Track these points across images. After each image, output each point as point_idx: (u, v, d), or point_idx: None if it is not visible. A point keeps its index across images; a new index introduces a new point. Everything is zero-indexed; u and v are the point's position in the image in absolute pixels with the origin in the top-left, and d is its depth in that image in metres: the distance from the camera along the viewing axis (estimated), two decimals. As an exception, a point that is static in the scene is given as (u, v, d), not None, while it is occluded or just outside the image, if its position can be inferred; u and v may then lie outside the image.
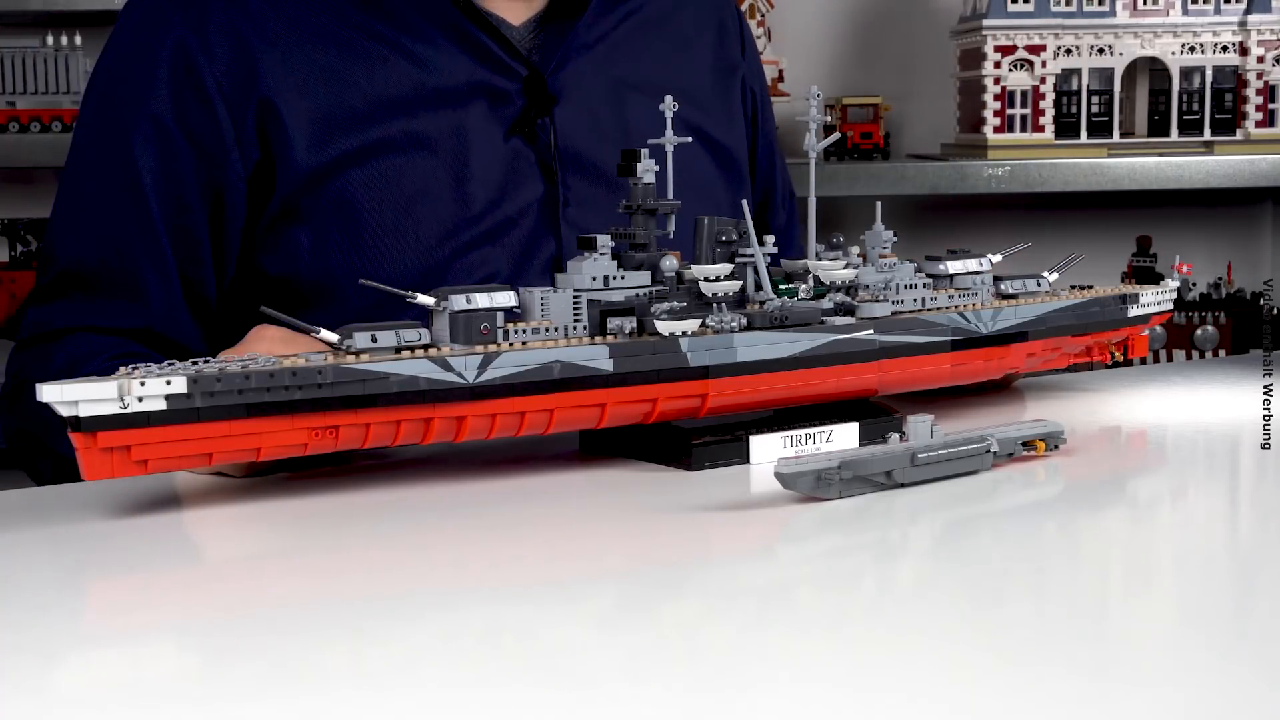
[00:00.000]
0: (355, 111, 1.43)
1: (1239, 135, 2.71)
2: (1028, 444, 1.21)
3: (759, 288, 1.26)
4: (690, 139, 1.31)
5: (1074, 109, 2.70)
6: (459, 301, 1.14)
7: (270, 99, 1.42)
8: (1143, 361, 1.63)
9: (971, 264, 1.39)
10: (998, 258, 1.43)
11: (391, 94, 1.45)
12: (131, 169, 1.43)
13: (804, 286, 1.29)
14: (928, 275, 1.37)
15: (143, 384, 1.03)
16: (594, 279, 1.21)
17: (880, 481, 1.12)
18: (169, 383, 1.04)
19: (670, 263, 1.23)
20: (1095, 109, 2.71)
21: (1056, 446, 1.23)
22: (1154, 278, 2.75)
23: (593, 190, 1.50)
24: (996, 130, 2.67)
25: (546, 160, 1.49)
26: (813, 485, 1.10)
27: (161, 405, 1.04)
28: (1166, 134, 2.73)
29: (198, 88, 1.42)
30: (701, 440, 1.22)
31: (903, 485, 1.14)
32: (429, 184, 1.44)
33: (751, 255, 1.26)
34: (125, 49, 1.47)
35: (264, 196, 1.44)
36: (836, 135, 1.33)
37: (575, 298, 1.19)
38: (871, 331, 1.29)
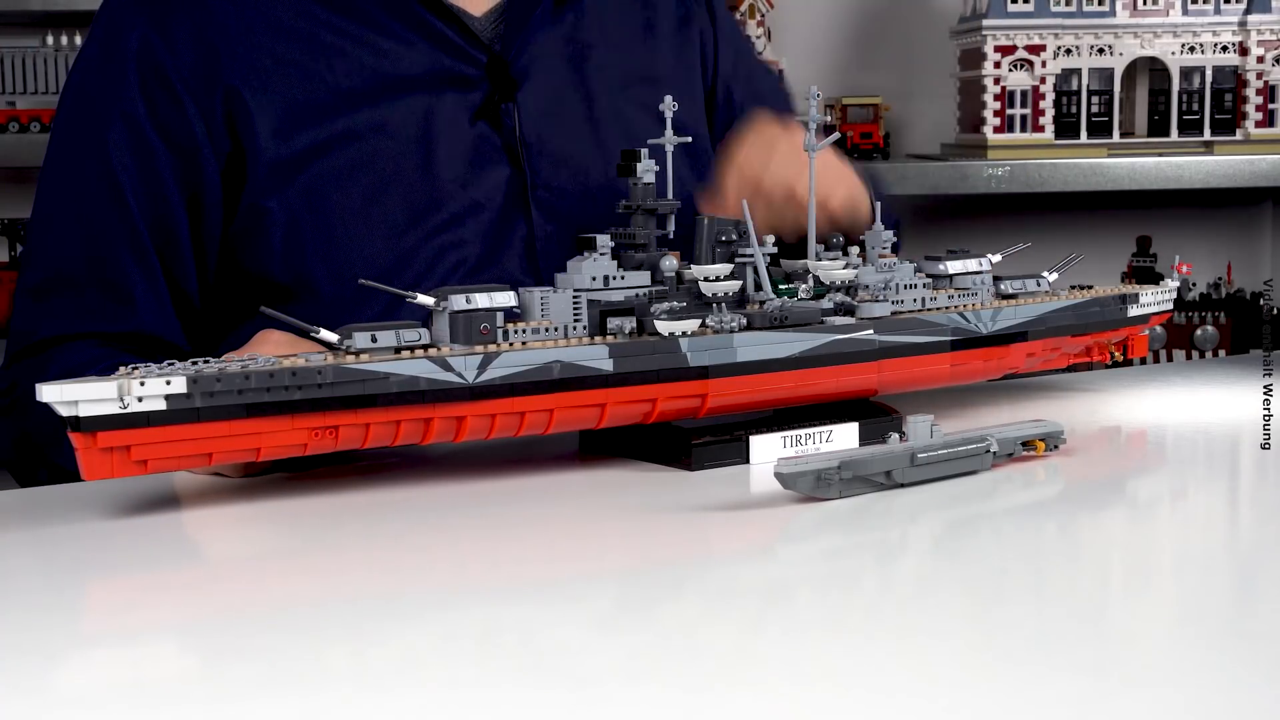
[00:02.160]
0: (319, 104, 1.45)
1: (1239, 135, 2.71)
2: (1028, 444, 1.21)
3: (759, 288, 1.26)
4: (690, 139, 1.31)
5: (1074, 109, 2.70)
6: (459, 301, 1.14)
7: (236, 87, 1.43)
8: (1143, 361, 1.63)
9: (971, 264, 1.39)
10: (997, 258, 1.43)
11: (355, 85, 1.46)
12: (108, 169, 1.43)
13: (804, 286, 1.29)
14: (927, 275, 1.37)
15: (142, 384, 1.03)
16: (594, 279, 1.21)
17: (880, 481, 1.12)
18: (169, 383, 1.04)
19: (670, 263, 1.23)
20: (1095, 109, 2.71)
21: (1056, 446, 1.23)
22: (1154, 278, 2.75)
23: (559, 172, 1.51)
24: (996, 130, 2.67)
25: (512, 144, 1.50)
26: (813, 485, 1.10)
27: (161, 405, 1.04)
28: (1166, 134, 2.74)
29: (165, 85, 1.43)
30: (701, 440, 1.22)
31: (903, 485, 1.14)
32: (396, 170, 1.46)
33: (751, 255, 1.26)
34: (94, 51, 1.49)
35: (237, 189, 1.44)
36: (836, 135, 1.33)
37: (575, 298, 1.19)
38: (871, 331, 1.29)
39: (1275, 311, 2.32)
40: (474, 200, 1.48)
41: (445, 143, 1.47)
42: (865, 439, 1.26)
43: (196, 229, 1.45)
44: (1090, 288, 1.51)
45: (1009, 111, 2.68)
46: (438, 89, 1.48)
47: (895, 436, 1.15)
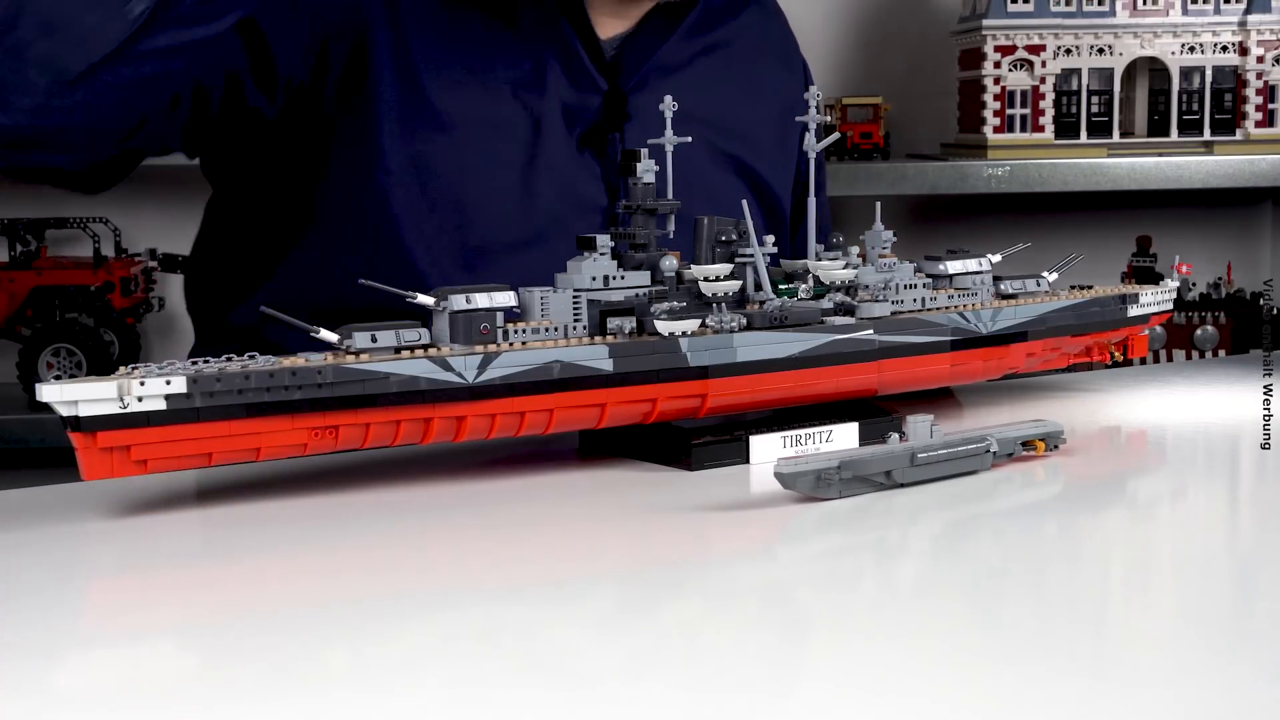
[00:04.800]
0: (446, 93, 1.44)
1: (1239, 135, 2.71)
2: (1028, 444, 1.21)
3: (759, 288, 1.26)
4: (690, 139, 1.31)
5: (1074, 109, 2.70)
6: (459, 301, 1.14)
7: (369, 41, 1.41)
8: (1143, 361, 1.63)
9: (971, 264, 1.39)
10: (997, 258, 1.43)
11: (484, 82, 1.45)
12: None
13: (804, 286, 1.29)
14: (928, 275, 1.37)
15: (142, 384, 1.03)
16: (594, 279, 1.21)
17: (880, 481, 1.12)
18: (168, 383, 1.04)
19: (670, 263, 1.23)
20: (1095, 109, 2.71)
21: (1056, 446, 1.23)
22: (1154, 278, 2.75)
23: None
24: (996, 130, 2.67)
25: (610, 175, 1.50)
26: (813, 485, 1.10)
27: (161, 405, 1.04)
28: (1166, 134, 2.74)
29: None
30: (701, 440, 1.22)
31: (902, 485, 1.13)
32: (499, 173, 1.45)
33: (751, 255, 1.26)
34: None
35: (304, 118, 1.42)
36: (836, 135, 1.33)
37: (575, 298, 1.19)
38: (871, 331, 1.29)
39: (1275, 311, 2.32)
40: (563, 219, 1.46)
41: (550, 158, 1.47)
42: (865, 439, 1.26)
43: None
44: (1090, 288, 1.51)
45: (1009, 111, 2.68)
46: (554, 103, 1.48)
47: (895, 436, 1.15)
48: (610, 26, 1.54)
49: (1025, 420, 1.25)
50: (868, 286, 1.32)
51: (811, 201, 1.31)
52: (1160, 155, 2.69)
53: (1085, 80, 2.69)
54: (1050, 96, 2.67)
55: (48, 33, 1.23)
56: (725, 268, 1.23)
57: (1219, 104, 2.71)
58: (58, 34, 1.24)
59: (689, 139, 1.31)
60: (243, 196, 1.54)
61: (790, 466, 1.10)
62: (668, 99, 1.28)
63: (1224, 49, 2.70)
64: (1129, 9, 2.68)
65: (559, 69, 1.49)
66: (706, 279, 1.22)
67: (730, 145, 1.60)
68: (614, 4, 1.53)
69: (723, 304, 1.23)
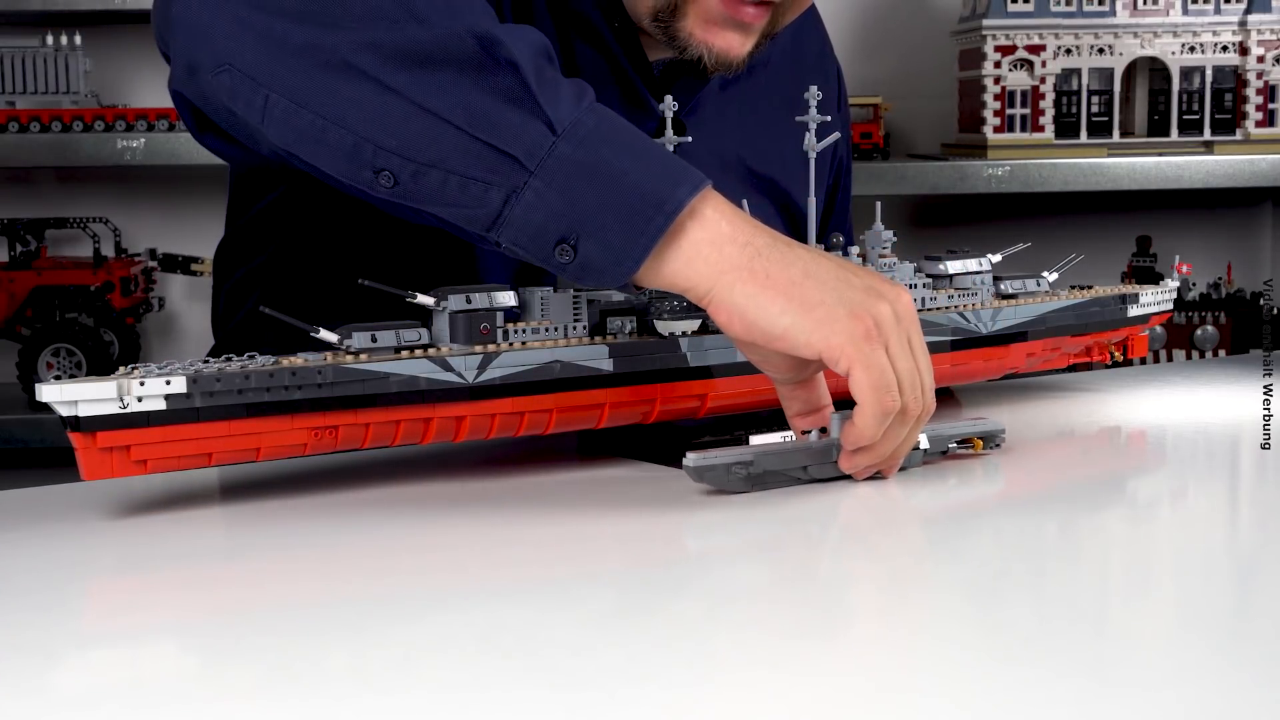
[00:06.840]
0: None
1: (1239, 135, 2.71)
2: (964, 442, 1.20)
3: (759, 288, 1.26)
4: (690, 139, 1.31)
5: (1074, 109, 2.70)
6: (458, 301, 1.14)
7: None
8: (1143, 361, 1.63)
9: (971, 264, 1.39)
10: (997, 258, 1.43)
11: None
12: None
13: (804, 286, 1.28)
14: (927, 275, 1.37)
15: (142, 384, 1.03)
16: (594, 279, 1.21)
17: (797, 476, 1.12)
18: (168, 382, 1.04)
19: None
20: (1095, 109, 2.71)
21: (997, 445, 1.22)
22: (1154, 278, 2.75)
23: None
24: (996, 130, 2.68)
25: None
26: (723, 478, 1.09)
27: (161, 405, 1.04)
28: (1166, 134, 2.74)
29: None
30: (701, 440, 1.22)
31: (820, 480, 1.12)
32: None
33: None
34: None
35: None
36: (836, 135, 1.33)
37: (575, 298, 1.19)
38: (871, 331, 1.29)
39: (1275, 311, 2.32)
40: None
41: None
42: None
43: None
44: (1090, 288, 1.51)
45: (1009, 111, 2.68)
46: None
47: (815, 432, 1.14)
48: (660, 49, 1.50)
49: (965, 419, 1.24)
50: (868, 286, 1.31)
51: (811, 201, 1.31)
52: (1160, 155, 2.69)
53: (1085, 80, 2.69)
54: (1050, 96, 2.67)
55: None
56: (725, 268, 1.23)
57: (1219, 104, 2.72)
58: None
59: (689, 139, 1.30)
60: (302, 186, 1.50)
61: (700, 460, 1.09)
62: (668, 99, 1.28)
63: (1224, 49, 2.70)
64: (1129, 9, 2.68)
65: (616, 98, 1.46)
66: (706, 279, 1.22)
67: (768, 168, 1.57)
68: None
69: (723, 304, 1.23)
